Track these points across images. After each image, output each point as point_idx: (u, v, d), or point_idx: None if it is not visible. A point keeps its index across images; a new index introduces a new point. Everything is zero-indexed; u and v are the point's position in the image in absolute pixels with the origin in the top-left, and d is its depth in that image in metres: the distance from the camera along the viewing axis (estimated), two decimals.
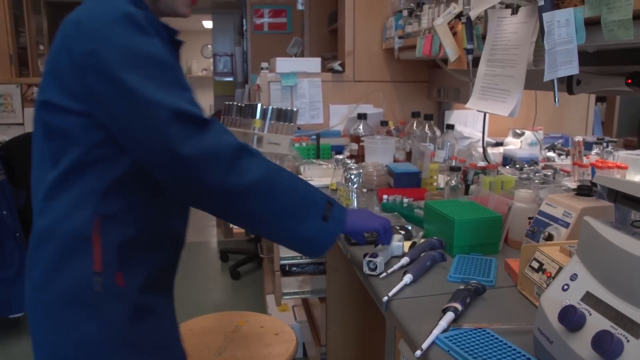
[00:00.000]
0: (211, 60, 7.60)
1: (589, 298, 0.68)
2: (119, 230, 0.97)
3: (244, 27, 4.73)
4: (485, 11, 1.40)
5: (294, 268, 2.11)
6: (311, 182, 1.86)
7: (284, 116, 2.11)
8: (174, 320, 1.14)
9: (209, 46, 9.68)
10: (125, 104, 0.88)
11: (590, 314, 0.66)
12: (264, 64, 2.74)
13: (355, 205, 1.51)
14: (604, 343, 0.60)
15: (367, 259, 1.10)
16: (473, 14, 1.46)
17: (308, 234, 0.98)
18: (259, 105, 2.15)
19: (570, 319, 0.66)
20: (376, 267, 1.09)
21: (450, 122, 2.37)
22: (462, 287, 0.97)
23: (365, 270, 1.10)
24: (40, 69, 4.46)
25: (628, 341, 0.60)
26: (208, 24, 8.02)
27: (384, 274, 1.09)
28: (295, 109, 2.12)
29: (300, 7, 4.06)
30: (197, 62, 10.36)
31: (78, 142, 0.93)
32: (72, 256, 0.95)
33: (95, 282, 0.95)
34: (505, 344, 0.81)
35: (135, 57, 0.88)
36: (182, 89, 0.92)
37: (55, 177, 0.95)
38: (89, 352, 0.96)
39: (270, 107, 2.17)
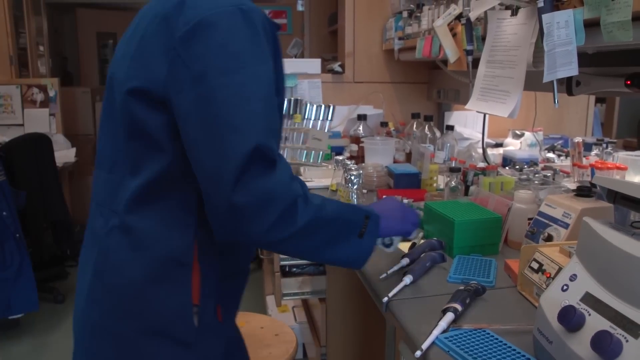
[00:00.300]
0: None
1: (588, 298, 0.69)
2: (217, 257, 0.86)
3: None
4: (485, 12, 1.40)
5: (294, 269, 2.11)
6: (311, 183, 1.88)
7: (319, 112, 2.16)
8: None
9: None
10: (202, 114, 0.75)
11: (589, 314, 0.66)
12: None
13: None
14: (603, 343, 0.60)
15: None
16: (473, 15, 1.46)
17: (346, 254, 0.89)
18: (298, 100, 2.21)
19: (570, 319, 0.66)
20: (392, 243, 1.03)
21: (450, 123, 2.38)
22: (462, 287, 0.97)
23: (379, 244, 1.00)
24: (40, 70, 4.45)
25: (627, 341, 0.60)
26: None
27: (384, 275, 1.10)
28: (331, 105, 2.17)
29: (300, 8, 4.08)
30: None
31: (163, 147, 0.80)
32: (166, 284, 0.82)
33: (194, 316, 0.84)
34: (505, 344, 0.81)
35: (238, 64, 0.75)
36: (271, 110, 0.78)
37: (139, 187, 0.81)
38: None
39: (308, 103, 2.21)
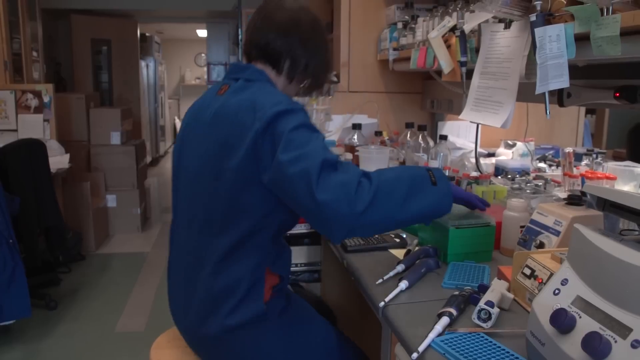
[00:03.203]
0: (205, 68, 7.61)
1: (579, 302, 0.71)
2: (275, 266, 1.20)
3: (239, 37, 4.75)
4: (479, 25, 1.44)
5: (290, 276, 2.12)
6: None
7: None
8: None
9: (203, 55, 9.70)
10: (288, 166, 1.01)
11: (580, 317, 0.69)
12: None
13: None
14: (593, 344, 0.62)
15: (482, 306, 0.92)
16: (467, 28, 1.49)
17: (429, 202, 1.07)
18: None
19: (562, 321, 0.68)
20: (489, 318, 0.91)
21: (444, 132, 2.40)
22: (456, 293, 0.99)
23: (474, 318, 0.92)
24: (34, 76, 4.45)
25: (616, 342, 0.62)
26: (202, 33, 8.05)
27: (380, 281, 1.12)
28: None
29: None
30: (190, 71, 10.39)
31: (252, 213, 1.11)
32: (250, 298, 1.15)
33: (265, 309, 1.17)
34: (499, 346, 0.83)
35: (305, 135, 1.05)
36: (325, 147, 1.07)
37: (229, 244, 1.13)
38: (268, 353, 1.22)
39: None
